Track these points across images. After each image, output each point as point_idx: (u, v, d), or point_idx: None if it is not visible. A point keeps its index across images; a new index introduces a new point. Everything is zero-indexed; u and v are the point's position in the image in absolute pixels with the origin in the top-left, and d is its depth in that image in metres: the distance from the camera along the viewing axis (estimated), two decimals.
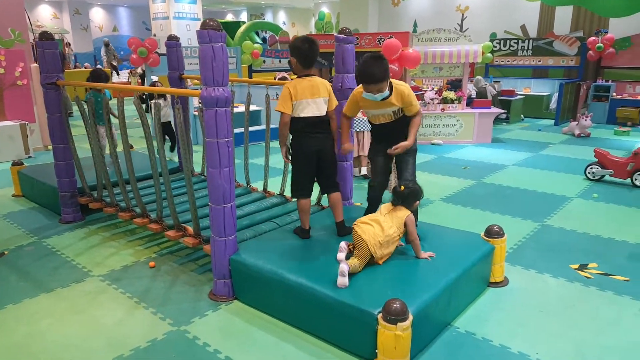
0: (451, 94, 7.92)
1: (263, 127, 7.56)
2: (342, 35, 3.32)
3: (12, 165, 5.19)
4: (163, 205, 3.62)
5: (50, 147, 7.35)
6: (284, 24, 25.67)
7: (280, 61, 10.42)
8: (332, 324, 2.46)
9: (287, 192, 4.24)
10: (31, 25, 10.32)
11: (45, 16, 20.92)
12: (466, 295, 2.89)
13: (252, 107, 7.96)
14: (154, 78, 10.81)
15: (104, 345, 2.56)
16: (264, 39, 16.66)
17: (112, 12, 23.94)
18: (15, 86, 6.84)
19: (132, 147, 3.70)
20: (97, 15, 23.34)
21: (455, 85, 8.45)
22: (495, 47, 11.06)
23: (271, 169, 4.89)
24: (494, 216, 4.50)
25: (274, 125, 4.52)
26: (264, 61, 10.06)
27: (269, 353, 2.47)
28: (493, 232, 3.11)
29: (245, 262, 2.84)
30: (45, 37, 3.90)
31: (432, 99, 7.89)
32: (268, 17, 25.47)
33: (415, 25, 13.58)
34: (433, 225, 3.44)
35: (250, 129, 4.95)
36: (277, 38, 10.38)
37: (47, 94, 3.99)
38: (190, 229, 3.41)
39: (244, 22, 19.67)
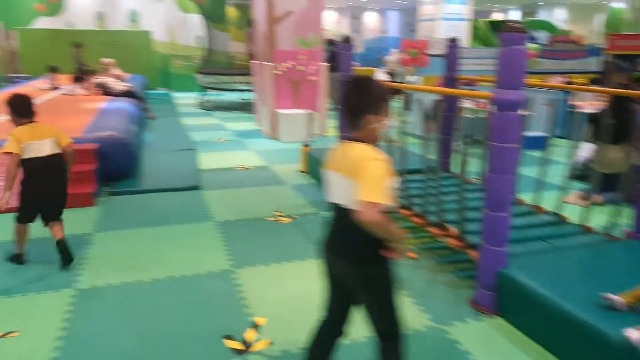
0: None
1: (537, 133, 6.86)
2: None
3: (303, 146, 6.18)
4: (428, 202, 3.74)
5: (326, 134, 8.54)
6: (563, 22, 23.08)
7: (557, 63, 9.41)
8: None
9: (565, 211, 3.80)
10: None
11: (330, 21, 24.04)
12: None
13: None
14: (411, 79, 11.17)
15: None
16: (532, 39, 15.35)
17: (383, 15, 25.86)
18: (308, 81, 8.08)
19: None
20: (370, 19, 25.58)
21: None
22: None
23: (546, 183, 4.48)
24: None
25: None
26: (540, 62, 9.25)
27: None
28: None
29: (516, 279, 2.68)
30: (345, 40, 4.48)
31: None
32: (542, 15, 23.33)
33: None
34: None
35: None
36: (558, 38, 9.41)
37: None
38: (453, 229, 3.43)
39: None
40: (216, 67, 11.93)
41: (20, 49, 13.66)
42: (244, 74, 11.49)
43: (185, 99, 13.44)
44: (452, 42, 4.85)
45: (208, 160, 6.55)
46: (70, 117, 6.25)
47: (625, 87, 4.70)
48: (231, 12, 14.49)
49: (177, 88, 15.31)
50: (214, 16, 12.35)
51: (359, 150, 1.76)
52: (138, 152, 6.12)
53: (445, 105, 4.73)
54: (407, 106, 9.35)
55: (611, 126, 3.92)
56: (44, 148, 3.21)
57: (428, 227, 3.65)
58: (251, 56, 13.68)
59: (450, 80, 4.81)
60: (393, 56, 13.35)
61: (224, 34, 13.00)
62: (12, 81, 12.49)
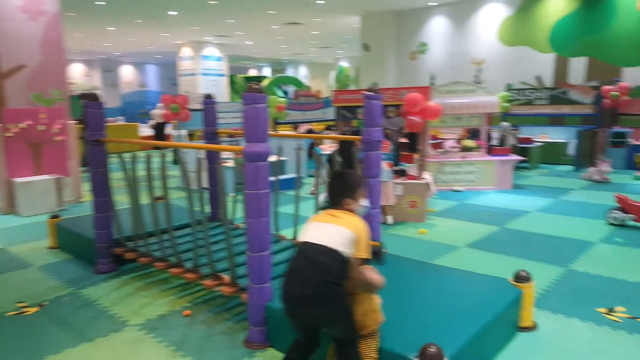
0: (471, 143, 8.09)
1: (289, 175, 7.81)
2: (372, 93, 3.58)
3: (51, 218, 5.34)
4: (198, 254, 3.73)
5: (82, 200, 7.65)
6: (305, 77, 26.67)
7: (302, 113, 10.82)
8: None
9: None
10: None
11: (78, 74, 22.18)
12: (497, 340, 2.92)
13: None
14: (175, 133, 11.26)
15: None
16: (284, 92, 17.35)
17: (140, 69, 25.26)
18: (53, 142, 7.22)
19: (163, 198, 3.88)
20: (127, 72, 24.64)
21: (475, 133, 8.64)
22: (512, 96, 11.32)
23: (300, 217, 5.04)
24: (519, 261, 4.52)
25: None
26: (288, 114, 10.47)
27: None
28: (521, 277, 3.17)
29: (280, 309, 2.93)
30: (91, 97, 4.23)
31: (452, 147, 8.07)
32: (290, 72, 26.54)
33: (432, 78, 14.00)
34: (460, 271, 3.51)
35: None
36: (301, 92, 10.85)
37: (92, 150, 4.24)
38: (226, 277, 3.49)
39: (264, 77, 20.42)
40: None
41: None
42: None
43: None
44: (208, 98, 5.06)
45: None
46: None
47: (350, 132, 5.80)
48: None
49: None
50: None
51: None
52: None
53: (207, 159, 4.90)
54: (176, 161, 9.27)
55: (340, 163, 4.69)
56: None
57: (202, 280, 3.62)
58: None
59: (210, 134, 4.98)
60: (159, 110, 13.15)
61: None
62: None
